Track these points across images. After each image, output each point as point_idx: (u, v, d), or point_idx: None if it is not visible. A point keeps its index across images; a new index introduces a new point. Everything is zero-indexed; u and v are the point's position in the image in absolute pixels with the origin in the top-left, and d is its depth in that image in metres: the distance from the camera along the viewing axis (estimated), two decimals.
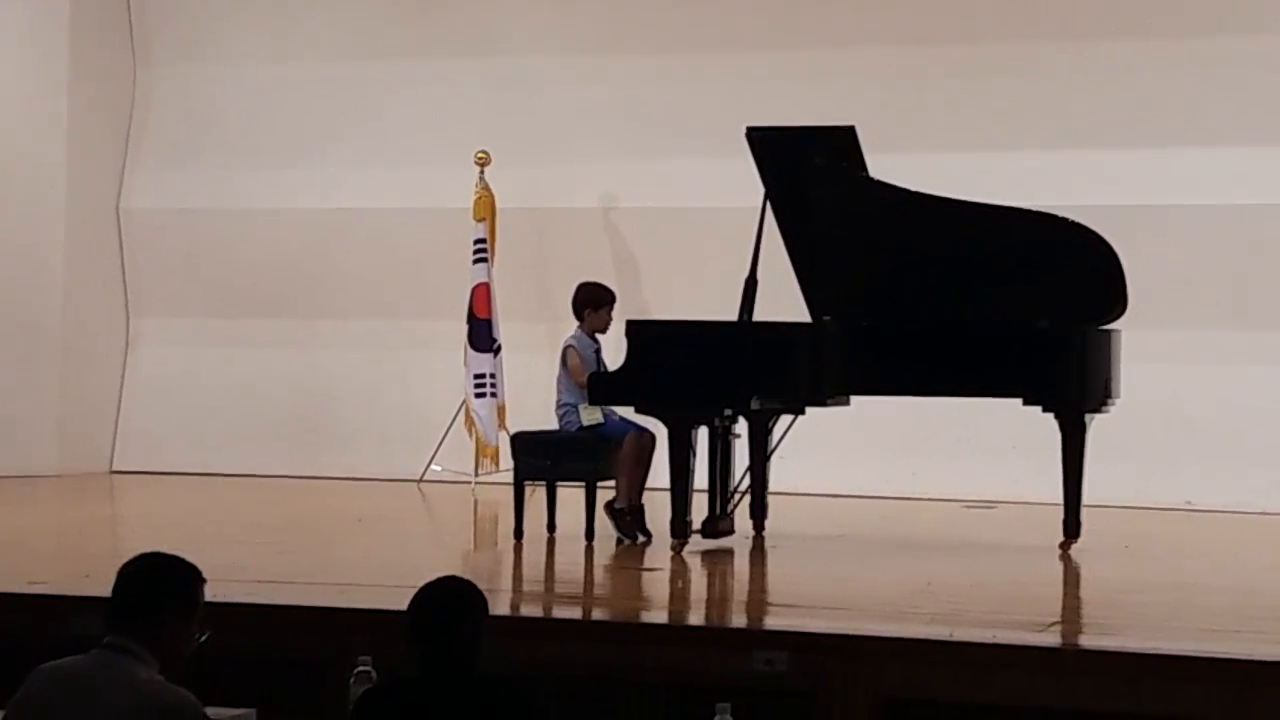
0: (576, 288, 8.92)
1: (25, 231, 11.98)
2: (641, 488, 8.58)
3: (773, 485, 8.86)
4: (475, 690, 3.82)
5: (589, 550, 8.34)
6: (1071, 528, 8.29)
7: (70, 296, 12.26)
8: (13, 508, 10.28)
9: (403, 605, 4.00)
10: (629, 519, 8.52)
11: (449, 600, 3.95)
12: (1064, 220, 8.28)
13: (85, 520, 10.00)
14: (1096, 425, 8.30)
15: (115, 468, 12.52)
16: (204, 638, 3.98)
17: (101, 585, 4.02)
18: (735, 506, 8.70)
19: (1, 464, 11.63)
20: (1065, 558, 8.21)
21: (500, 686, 3.85)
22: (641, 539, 8.52)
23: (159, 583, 3.91)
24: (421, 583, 3.99)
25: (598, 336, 8.81)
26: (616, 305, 8.91)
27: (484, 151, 11.51)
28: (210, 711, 3.92)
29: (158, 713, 3.72)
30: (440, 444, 11.67)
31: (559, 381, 8.73)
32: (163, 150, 12.73)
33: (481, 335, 11.40)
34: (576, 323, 8.82)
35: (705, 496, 8.51)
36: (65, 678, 3.80)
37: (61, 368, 12.18)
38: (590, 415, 8.56)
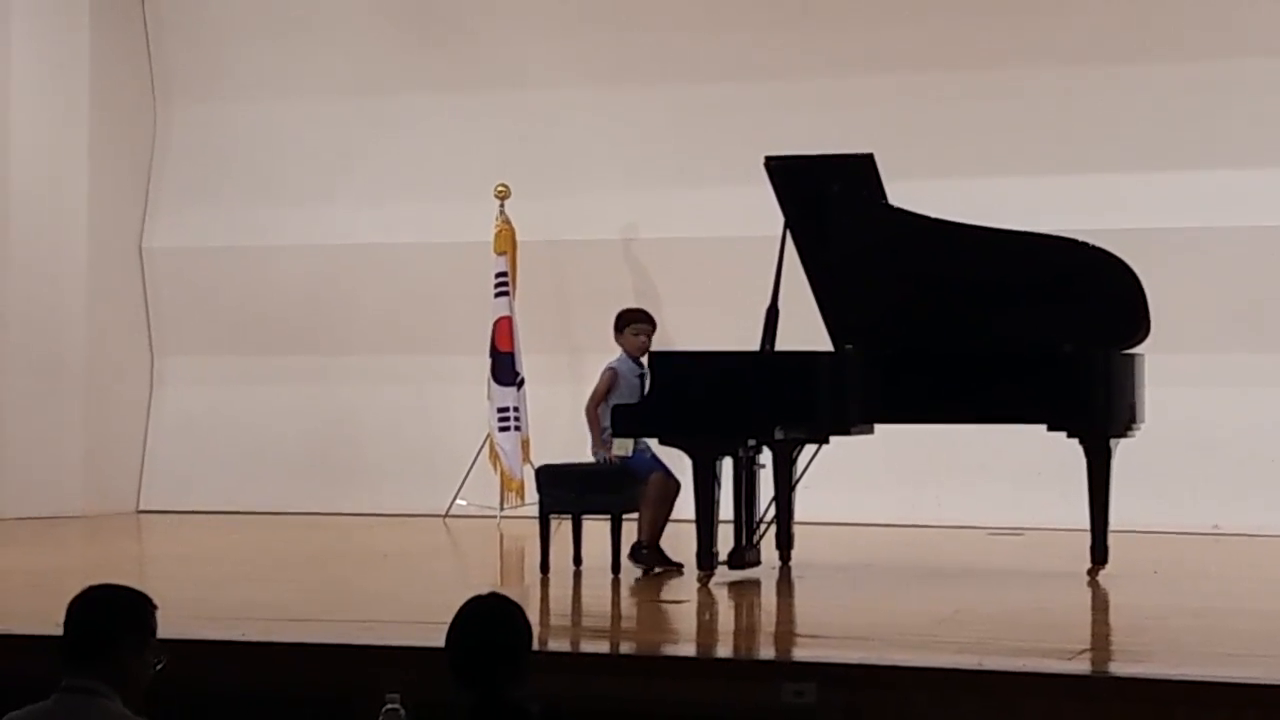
0: None
1: (49, 272, 12.04)
2: (661, 528, 8.57)
3: (798, 515, 8.84)
4: None
5: (615, 583, 8.33)
6: (1099, 554, 8.26)
7: (94, 337, 12.29)
8: (40, 549, 10.31)
9: (430, 641, 3.99)
10: (644, 553, 8.49)
11: (494, 626, 3.87)
12: (1084, 244, 8.27)
13: (113, 561, 10.00)
14: (1122, 450, 8.27)
15: (142, 507, 12.55)
16: (160, 665, 3.91)
17: None
18: (761, 537, 8.69)
19: (28, 505, 11.67)
20: (1093, 584, 8.18)
21: None
22: (658, 570, 8.49)
23: (111, 616, 3.86)
24: (449, 617, 3.95)
25: (644, 361, 8.73)
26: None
27: (504, 184, 11.54)
28: None
29: None
30: (465, 478, 11.67)
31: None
32: (184, 188, 12.78)
33: (505, 369, 11.41)
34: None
35: (731, 527, 8.50)
36: None
37: (86, 408, 12.21)
38: (620, 445, 8.52)
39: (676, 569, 8.53)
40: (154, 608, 3.93)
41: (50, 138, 12.11)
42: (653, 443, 8.55)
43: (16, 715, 3.79)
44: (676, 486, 8.54)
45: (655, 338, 8.88)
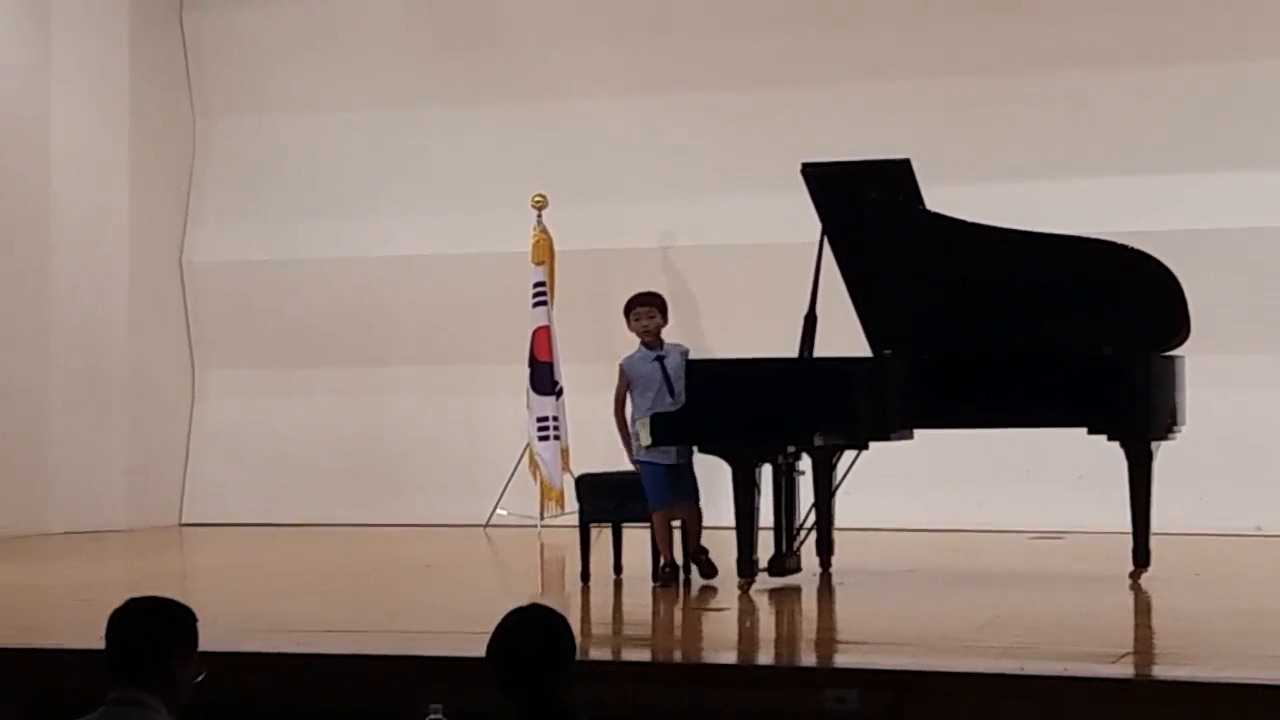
0: None
1: (90, 286, 12.12)
2: (695, 536, 8.47)
3: (838, 521, 8.83)
4: None
5: (656, 591, 8.33)
6: (1140, 557, 8.23)
7: (135, 350, 12.37)
8: (85, 562, 10.37)
9: (473, 651, 4.00)
10: (666, 571, 8.42)
11: (538, 636, 3.90)
12: (1123, 247, 8.25)
13: (156, 574, 10.06)
14: (1163, 452, 8.24)
15: (184, 520, 12.61)
16: (201, 678, 3.92)
17: None
18: (801, 543, 8.68)
19: (72, 519, 11.75)
20: (1135, 587, 8.15)
21: None
22: (703, 577, 8.45)
23: (161, 628, 3.87)
24: (491, 627, 3.96)
25: (669, 344, 8.57)
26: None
27: (541, 194, 11.56)
28: None
29: None
30: (505, 488, 11.70)
31: None
32: (224, 202, 12.86)
33: (543, 378, 11.43)
34: None
35: (771, 534, 8.50)
36: None
37: (129, 421, 12.28)
38: (644, 432, 8.40)
39: (709, 570, 8.47)
40: (197, 619, 3.96)
41: (91, 153, 12.19)
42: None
43: None
44: (694, 515, 8.44)
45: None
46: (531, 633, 3.91)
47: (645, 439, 8.35)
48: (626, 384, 8.58)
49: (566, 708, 3.82)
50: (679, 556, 8.48)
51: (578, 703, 3.87)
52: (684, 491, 8.43)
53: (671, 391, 8.39)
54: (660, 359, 8.50)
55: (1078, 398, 8.15)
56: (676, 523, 8.47)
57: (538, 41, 12.29)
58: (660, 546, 8.44)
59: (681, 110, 11.97)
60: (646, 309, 8.60)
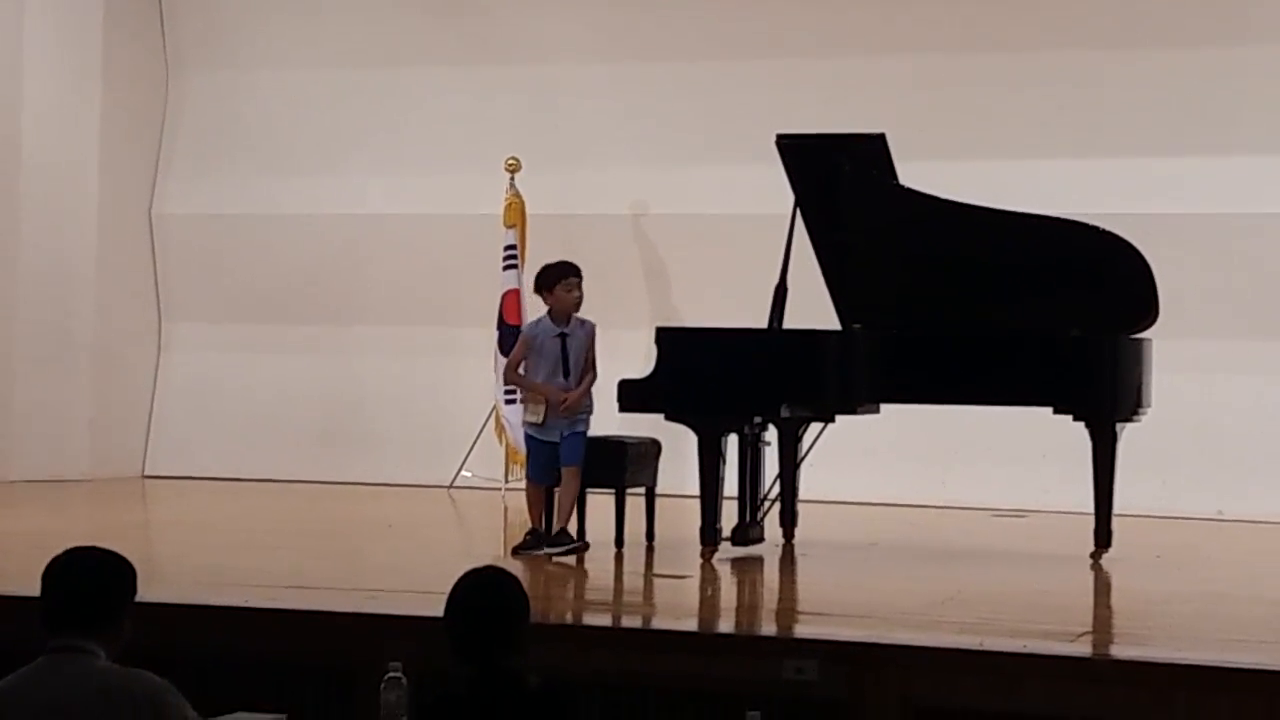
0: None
1: (58, 237, 12.05)
2: (564, 507, 8.36)
3: (802, 493, 8.86)
4: (528, 708, 3.78)
5: (619, 557, 8.34)
6: (1102, 537, 8.27)
7: (102, 302, 12.31)
8: (45, 512, 10.32)
9: (433, 611, 4.00)
10: (529, 538, 8.39)
11: (490, 598, 3.90)
12: (1095, 228, 8.26)
13: (117, 525, 10.00)
14: (1128, 434, 8.27)
15: (147, 472, 12.57)
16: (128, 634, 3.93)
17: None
18: (765, 514, 8.70)
19: (34, 468, 11.70)
20: (1096, 567, 8.19)
21: (550, 701, 3.82)
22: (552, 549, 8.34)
23: (106, 579, 3.87)
24: (450, 588, 3.96)
25: (577, 317, 8.35)
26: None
27: (514, 158, 11.52)
28: (242, 717, 3.89)
29: (143, 698, 3.67)
30: (470, 450, 11.69)
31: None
32: (195, 156, 12.79)
33: (511, 342, 11.36)
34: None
35: (735, 504, 8.51)
36: (23, 692, 3.71)
37: (94, 373, 12.23)
38: (532, 412, 8.35)
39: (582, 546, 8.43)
40: (135, 573, 3.95)
41: (62, 105, 12.10)
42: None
43: (6, 683, 3.75)
44: (571, 480, 8.32)
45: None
46: (485, 594, 3.91)
47: (533, 416, 8.33)
48: (525, 353, 8.42)
49: (514, 672, 3.82)
50: (568, 524, 8.42)
51: (529, 667, 3.86)
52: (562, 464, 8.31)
53: (567, 373, 8.30)
54: (564, 336, 8.34)
55: (1044, 377, 8.17)
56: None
57: (516, 5, 12.24)
58: (530, 514, 8.43)
59: (658, 78, 11.94)
60: (578, 279, 8.32)
